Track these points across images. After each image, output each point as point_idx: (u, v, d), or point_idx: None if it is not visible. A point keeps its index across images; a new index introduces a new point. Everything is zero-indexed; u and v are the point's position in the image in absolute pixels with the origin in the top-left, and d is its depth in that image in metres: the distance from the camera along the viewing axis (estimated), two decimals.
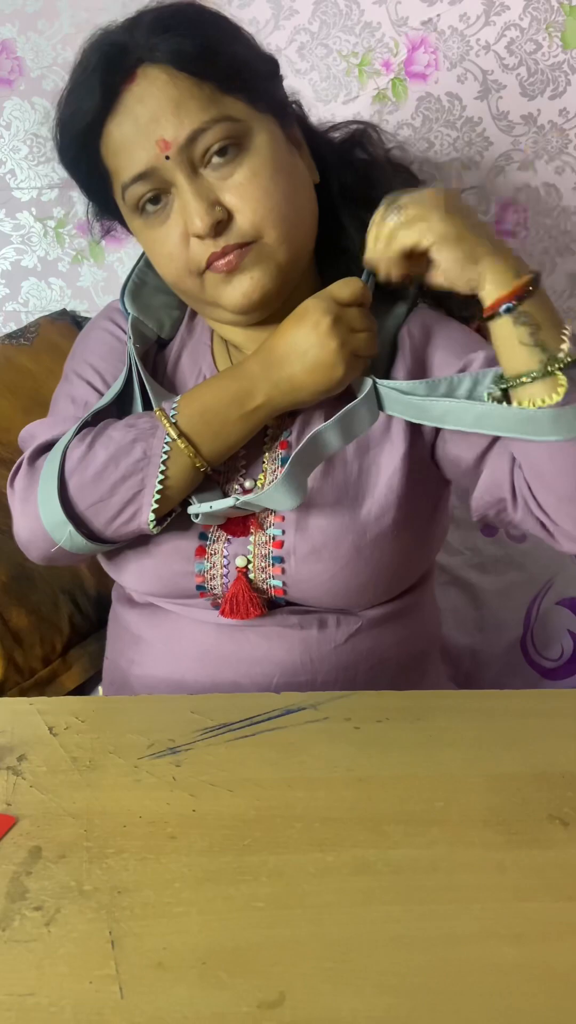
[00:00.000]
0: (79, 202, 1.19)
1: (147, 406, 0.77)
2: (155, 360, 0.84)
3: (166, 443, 0.71)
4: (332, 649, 0.78)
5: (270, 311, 0.74)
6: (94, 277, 1.23)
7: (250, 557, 0.76)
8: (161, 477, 0.71)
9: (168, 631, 0.81)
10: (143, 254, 0.83)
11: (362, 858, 0.55)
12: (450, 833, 0.57)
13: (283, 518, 0.75)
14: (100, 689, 1.01)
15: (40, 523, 0.73)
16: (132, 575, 0.79)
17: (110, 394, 0.77)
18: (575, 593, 1.22)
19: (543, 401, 0.65)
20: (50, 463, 0.73)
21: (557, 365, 0.64)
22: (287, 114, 0.75)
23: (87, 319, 1.10)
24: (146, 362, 0.82)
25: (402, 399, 0.71)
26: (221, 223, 0.69)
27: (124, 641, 0.86)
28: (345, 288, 0.71)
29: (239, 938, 0.49)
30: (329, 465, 0.75)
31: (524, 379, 0.66)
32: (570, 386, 0.65)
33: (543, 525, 0.71)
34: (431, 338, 0.77)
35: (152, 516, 0.72)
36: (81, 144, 0.72)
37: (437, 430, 0.75)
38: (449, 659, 1.11)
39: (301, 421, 0.77)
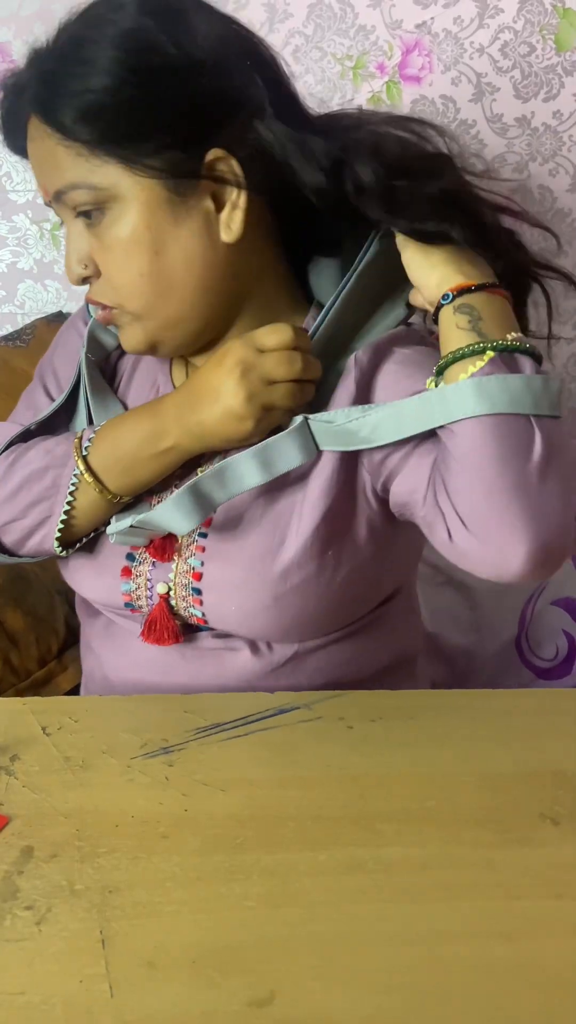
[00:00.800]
0: None
1: (92, 419, 0.77)
2: (116, 365, 0.82)
3: (74, 476, 0.71)
4: (271, 671, 0.75)
5: (190, 351, 0.74)
6: None
7: (171, 584, 0.74)
8: (67, 508, 0.72)
9: (111, 645, 0.81)
10: None
11: (354, 857, 0.55)
12: (442, 831, 0.57)
13: (203, 548, 0.72)
14: None
15: None
16: (74, 582, 0.80)
17: (50, 408, 0.79)
18: (570, 593, 1.23)
19: (465, 373, 0.60)
20: None
21: (489, 345, 0.61)
22: (193, 170, 0.64)
23: None
24: (105, 369, 0.81)
25: (331, 429, 0.66)
26: (88, 279, 0.69)
27: (84, 647, 0.88)
28: (271, 335, 0.65)
29: (230, 937, 0.49)
30: (254, 502, 0.71)
31: (457, 354, 0.61)
32: (496, 359, 0.60)
33: (444, 520, 0.62)
34: (383, 361, 0.69)
35: (57, 544, 0.74)
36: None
37: (380, 467, 0.68)
38: (443, 659, 1.11)
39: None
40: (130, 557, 0.75)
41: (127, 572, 0.75)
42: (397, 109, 1.16)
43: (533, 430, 0.60)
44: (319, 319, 0.70)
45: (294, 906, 0.51)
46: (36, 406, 0.82)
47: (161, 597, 0.74)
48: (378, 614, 0.78)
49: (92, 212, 0.66)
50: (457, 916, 0.50)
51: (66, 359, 0.82)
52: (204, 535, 0.73)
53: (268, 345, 0.65)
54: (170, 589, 0.74)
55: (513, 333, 0.63)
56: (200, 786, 0.61)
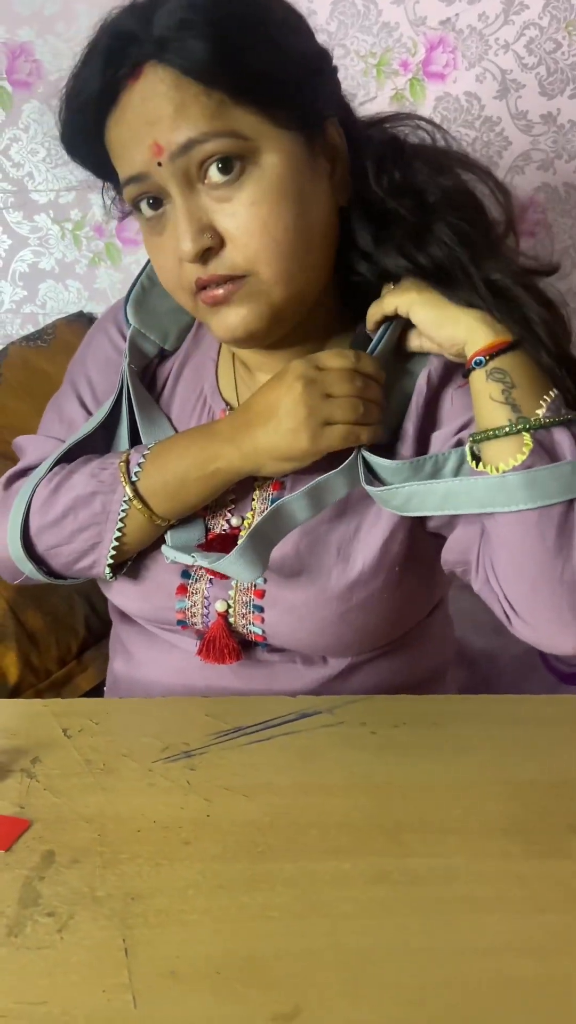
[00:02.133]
0: (96, 205, 1.20)
1: (133, 432, 0.76)
2: (155, 372, 0.80)
3: (124, 502, 0.70)
4: (320, 684, 0.75)
5: (266, 343, 0.70)
6: (111, 279, 1.23)
7: (230, 602, 0.73)
8: (118, 534, 0.71)
9: (155, 653, 0.80)
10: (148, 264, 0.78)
11: (379, 867, 0.54)
12: (468, 843, 0.56)
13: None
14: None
15: (8, 551, 0.74)
16: (119, 598, 0.78)
17: (91, 423, 0.76)
18: None
19: (505, 464, 0.60)
20: (20, 498, 0.74)
21: (525, 425, 0.60)
22: (318, 126, 0.65)
23: None
24: (144, 375, 0.79)
25: (382, 473, 0.66)
26: (211, 250, 0.63)
27: (118, 652, 0.86)
28: (333, 359, 0.65)
29: (253, 948, 0.48)
30: (323, 519, 0.70)
31: (490, 434, 0.61)
32: (537, 448, 0.60)
33: (498, 601, 0.65)
34: (449, 382, 0.69)
35: (108, 569, 0.73)
36: (82, 132, 0.66)
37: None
38: (465, 663, 1.10)
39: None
40: (185, 575, 0.74)
41: (183, 590, 0.74)
42: (420, 106, 1.15)
43: (574, 513, 0.60)
44: (379, 337, 0.68)
45: (318, 917, 0.50)
46: (70, 418, 0.79)
47: (219, 615, 0.73)
48: (424, 625, 0.79)
49: (231, 166, 0.61)
50: (485, 930, 0.49)
51: (100, 367, 0.80)
52: None
53: (331, 366, 0.64)
54: (229, 607, 0.73)
55: (549, 395, 0.61)
56: (222, 791, 0.60)
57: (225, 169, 0.61)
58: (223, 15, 0.60)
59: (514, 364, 0.62)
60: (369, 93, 1.14)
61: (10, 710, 0.72)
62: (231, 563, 0.67)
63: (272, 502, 0.71)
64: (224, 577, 0.72)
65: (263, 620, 0.72)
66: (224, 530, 0.73)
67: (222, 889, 0.52)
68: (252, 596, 0.72)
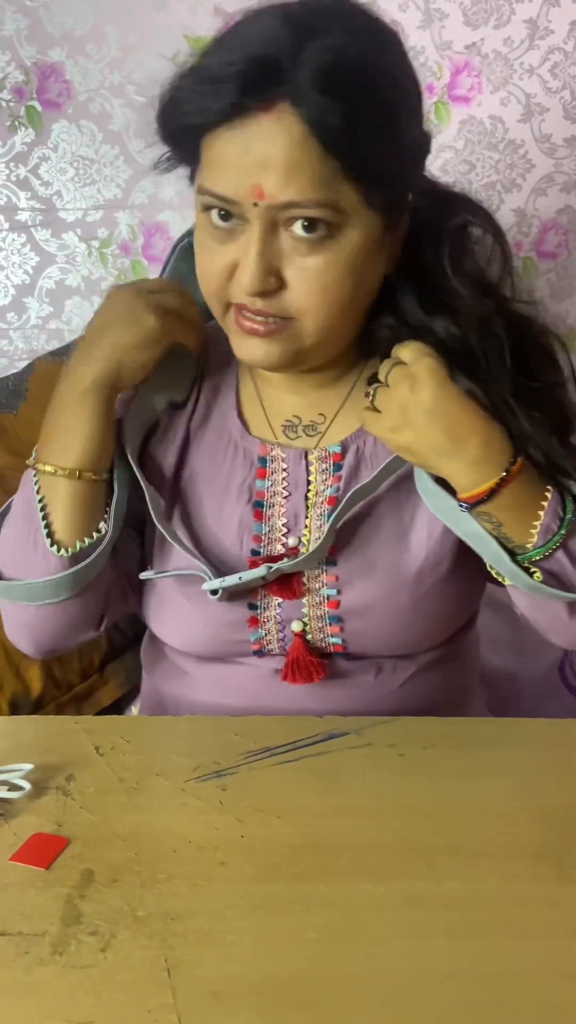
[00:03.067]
0: (123, 223, 1.21)
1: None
2: (167, 425, 0.78)
3: (33, 477, 0.72)
4: (385, 695, 0.77)
5: (301, 369, 0.72)
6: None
7: (306, 620, 0.74)
8: (41, 505, 0.71)
9: (217, 672, 0.80)
10: None
11: (412, 890, 0.54)
12: (500, 867, 0.56)
13: (336, 577, 0.73)
14: (133, 710, 1.01)
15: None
16: (182, 644, 0.78)
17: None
18: None
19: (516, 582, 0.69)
20: None
21: (525, 562, 0.68)
22: (400, 212, 0.67)
23: None
24: (154, 430, 0.79)
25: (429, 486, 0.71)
26: (268, 292, 0.64)
27: (167, 671, 0.84)
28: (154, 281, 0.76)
29: (293, 969, 0.49)
30: (378, 517, 0.74)
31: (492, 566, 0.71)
32: (544, 575, 0.68)
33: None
34: None
35: (49, 541, 0.71)
36: (186, 126, 0.64)
37: None
38: (486, 682, 1.10)
39: (347, 477, 0.74)
40: (252, 606, 0.75)
41: (254, 622, 0.75)
42: (445, 129, 1.16)
43: None
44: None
45: (356, 940, 0.51)
46: None
47: (297, 635, 0.75)
48: (464, 635, 0.83)
49: (317, 228, 0.62)
50: (520, 955, 0.50)
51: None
52: (333, 563, 0.74)
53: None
54: (305, 625, 0.75)
55: (539, 514, 0.66)
56: (254, 812, 0.61)
57: (310, 230, 0.62)
58: (367, 82, 0.60)
59: (498, 506, 0.66)
60: None
61: (42, 727, 0.73)
62: (313, 555, 0.71)
63: (329, 516, 0.73)
64: (291, 596, 0.74)
65: (341, 629, 0.74)
66: (286, 550, 0.75)
67: (259, 910, 0.53)
68: (327, 608, 0.74)
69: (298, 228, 0.62)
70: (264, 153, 0.60)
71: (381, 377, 0.69)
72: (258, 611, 0.75)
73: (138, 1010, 0.46)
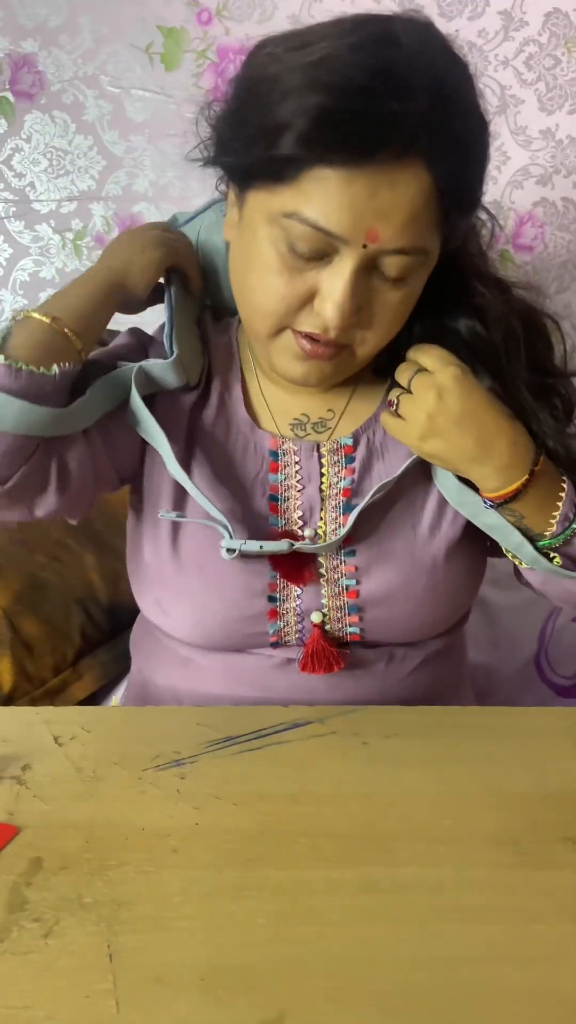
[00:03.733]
0: (97, 215, 1.20)
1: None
2: (175, 404, 0.76)
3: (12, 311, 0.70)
4: (395, 683, 0.77)
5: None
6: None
7: (325, 611, 0.74)
8: (5, 329, 0.66)
9: (228, 662, 0.78)
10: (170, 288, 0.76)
11: (368, 876, 0.54)
12: (458, 852, 0.56)
13: (355, 567, 0.74)
14: (113, 699, 1.00)
15: None
16: (194, 637, 0.76)
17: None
18: None
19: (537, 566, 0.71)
20: None
21: (547, 550, 0.70)
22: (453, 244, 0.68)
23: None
24: (155, 402, 0.75)
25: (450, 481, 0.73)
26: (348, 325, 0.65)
27: (165, 660, 0.81)
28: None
29: (240, 955, 0.48)
30: (392, 506, 0.75)
31: (513, 554, 0.73)
32: (564, 560, 0.70)
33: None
34: None
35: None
36: (294, 150, 0.59)
37: None
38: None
39: (360, 469, 0.75)
40: (271, 599, 0.74)
41: (273, 614, 0.74)
42: None
43: None
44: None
45: (306, 925, 0.50)
46: None
47: (315, 626, 0.74)
48: (463, 626, 0.84)
49: (407, 274, 0.64)
50: (474, 940, 0.49)
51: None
52: (352, 553, 0.74)
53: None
54: (324, 616, 0.74)
55: (558, 505, 0.69)
56: (212, 800, 0.60)
57: (401, 272, 0.63)
58: (477, 130, 0.62)
59: (522, 502, 0.69)
60: None
61: (2, 717, 0.72)
62: (334, 541, 0.72)
63: (344, 509, 0.74)
64: (307, 583, 0.74)
65: (360, 619, 0.74)
66: (304, 540, 0.74)
67: (210, 897, 0.52)
68: (346, 599, 0.74)
69: (390, 270, 0.63)
70: (390, 202, 0.59)
71: (403, 383, 0.70)
72: (277, 603, 0.74)
73: (77, 995, 0.45)
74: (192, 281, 0.78)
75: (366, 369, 0.74)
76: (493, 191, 1.19)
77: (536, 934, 0.50)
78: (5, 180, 1.19)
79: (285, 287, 0.64)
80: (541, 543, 0.70)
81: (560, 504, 0.69)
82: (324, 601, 0.74)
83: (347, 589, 0.74)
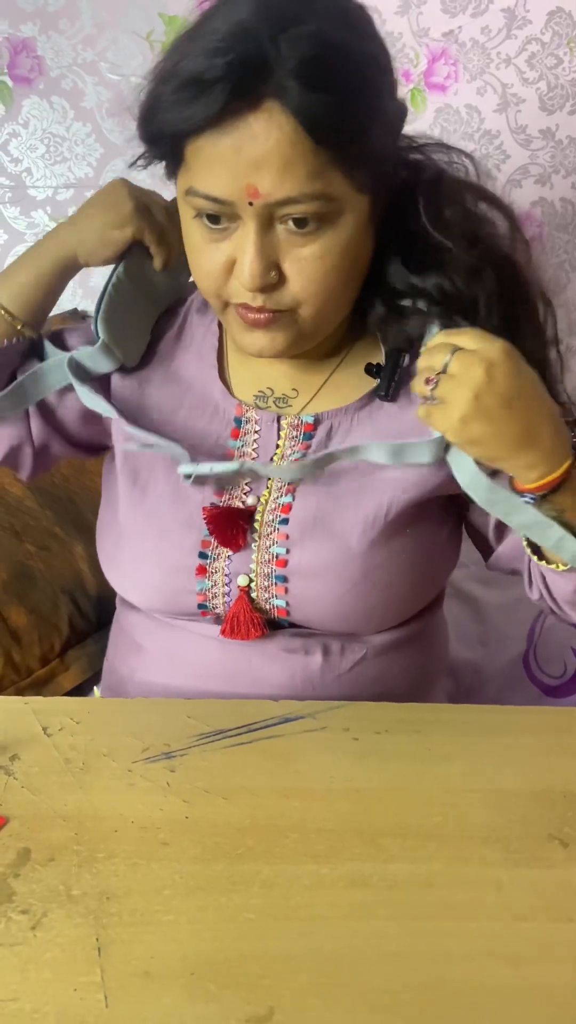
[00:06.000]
0: None
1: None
2: (108, 387, 0.79)
3: None
4: (335, 678, 0.76)
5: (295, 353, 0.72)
6: (106, 277, 1.22)
7: (252, 576, 0.74)
8: None
9: (170, 643, 0.79)
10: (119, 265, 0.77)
11: (357, 871, 0.54)
12: (447, 849, 0.56)
13: (287, 536, 0.73)
14: (96, 691, 1.00)
15: None
16: (134, 591, 0.78)
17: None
18: None
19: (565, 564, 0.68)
20: None
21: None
22: (384, 187, 0.66)
23: None
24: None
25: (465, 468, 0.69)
26: (268, 287, 0.64)
27: (126, 647, 0.84)
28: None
29: (229, 949, 0.48)
30: (338, 486, 0.73)
31: (550, 558, 0.69)
32: None
33: (552, 611, 0.75)
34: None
35: None
36: (171, 128, 0.62)
37: (481, 515, 0.76)
38: (451, 673, 1.10)
39: (315, 447, 0.74)
40: (203, 555, 0.74)
41: (202, 571, 0.74)
42: (421, 117, 1.16)
43: None
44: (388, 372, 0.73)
45: (295, 920, 0.50)
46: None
47: (241, 590, 0.74)
48: (424, 621, 0.81)
49: (310, 221, 0.62)
50: (462, 936, 0.49)
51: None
52: (285, 521, 0.73)
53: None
54: (251, 580, 0.74)
55: None
56: (202, 793, 0.60)
57: (304, 223, 0.62)
58: (349, 67, 0.59)
59: (564, 494, 0.65)
60: None
61: None
62: (288, 471, 0.71)
63: (305, 438, 0.74)
64: (240, 547, 0.74)
65: (287, 591, 0.73)
66: (240, 507, 0.74)
67: (199, 890, 0.52)
68: (275, 567, 0.73)
69: (292, 222, 0.62)
70: (256, 152, 0.59)
71: (437, 366, 0.64)
72: (208, 560, 0.75)
73: (64, 988, 0.45)
74: (157, 258, 0.76)
75: (343, 355, 0.75)
76: (492, 189, 1.18)
77: (524, 932, 0.50)
78: (1, 165, 1.17)
79: (208, 262, 0.66)
80: None
81: None
82: (252, 567, 0.74)
83: (276, 557, 0.73)
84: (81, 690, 1.03)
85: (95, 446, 0.84)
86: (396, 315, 0.71)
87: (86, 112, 1.16)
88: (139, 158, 0.69)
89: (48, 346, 0.77)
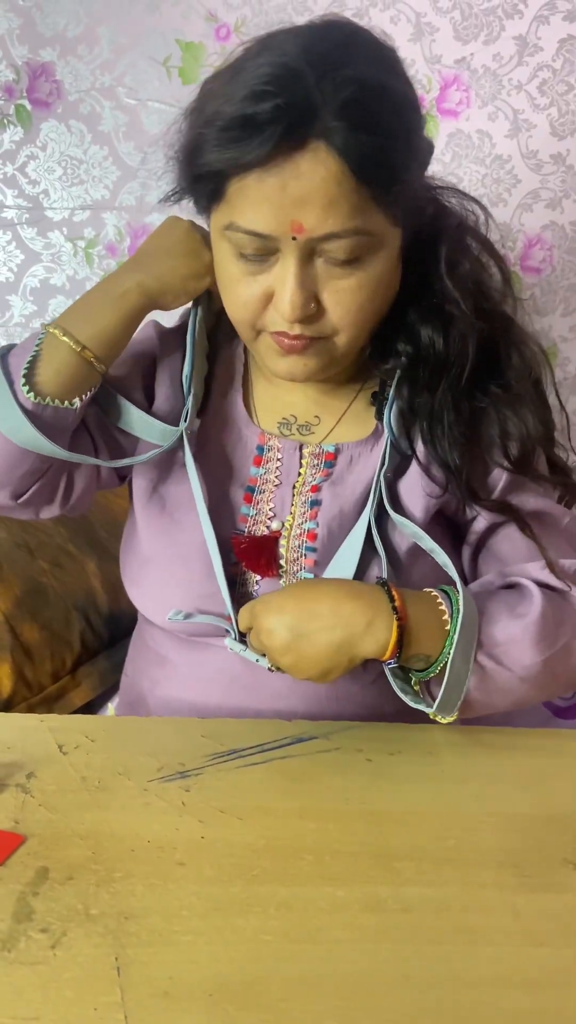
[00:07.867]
0: (110, 224, 1.21)
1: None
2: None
3: (41, 334, 0.74)
4: (360, 688, 0.77)
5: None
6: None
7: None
8: (34, 352, 0.72)
9: (195, 655, 0.80)
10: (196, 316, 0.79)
11: (373, 895, 0.54)
12: (462, 873, 0.56)
13: (313, 562, 0.76)
14: (109, 707, 1.00)
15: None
16: (158, 615, 0.79)
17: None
18: None
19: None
20: None
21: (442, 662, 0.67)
22: (413, 221, 0.69)
23: None
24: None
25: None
26: (308, 316, 0.67)
27: (147, 660, 0.85)
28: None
29: (247, 971, 0.48)
30: (358, 514, 0.75)
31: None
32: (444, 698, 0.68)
33: None
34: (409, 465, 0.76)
35: (24, 385, 0.71)
36: (215, 170, 0.64)
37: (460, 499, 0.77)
38: None
39: (335, 475, 0.77)
40: (231, 583, 0.76)
41: (232, 597, 0.76)
42: (433, 142, 1.17)
43: None
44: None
45: (312, 943, 0.50)
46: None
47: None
48: None
49: (350, 256, 0.65)
50: (479, 961, 0.49)
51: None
52: (313, 549, 0.76)
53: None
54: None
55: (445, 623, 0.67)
56: (217, 813, 0.60)
57: (344, 257, 0.65)
58: (388, 106, 0.62)
59: (414, 643, 0.67)
60: None
61: (6, 724, 0.72)
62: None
63: (312, 504, 0.77)
64: (272, 575, 0.76)
65: None
66: (266, 532, 0.77)
67: (216, 911, 0.52)
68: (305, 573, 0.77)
69: (336, 255, 0.64)
70: (301, 190, 0.62)
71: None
72: (236, 587, 0.77)
73: (85, 1007, 0.45)
74: (216, 300, 0.78)
75: (360, 384, 0.78)
76: (502, 213, 1.20)
77: (540, 957, 0.50)
78: (19, 187, 1.19)
79: (245, 293, 0.68)
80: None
81: (445, 614, 0.67)
82: (283, 585, 0.76)
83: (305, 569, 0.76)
84: (92, 707, 1.03)
85: (117, 480, 0.85)
86: (380, 353, 0.75)
87: (103, 136, 1.18)
88: (172, 193, 0.71)
89: (119, 398, 0.78)
